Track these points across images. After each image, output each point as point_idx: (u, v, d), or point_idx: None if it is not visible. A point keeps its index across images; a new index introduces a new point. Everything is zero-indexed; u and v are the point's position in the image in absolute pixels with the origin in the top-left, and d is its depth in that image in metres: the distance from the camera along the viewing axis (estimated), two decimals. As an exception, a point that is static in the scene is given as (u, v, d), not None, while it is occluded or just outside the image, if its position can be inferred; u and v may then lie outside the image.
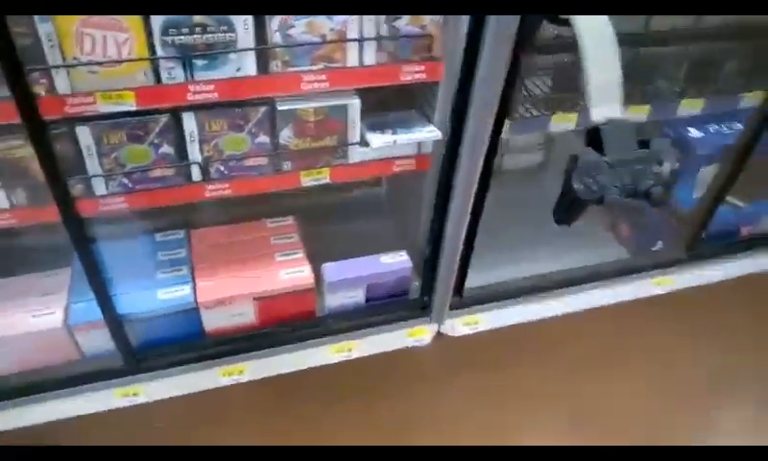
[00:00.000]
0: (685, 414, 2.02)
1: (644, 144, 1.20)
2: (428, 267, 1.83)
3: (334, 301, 1.85)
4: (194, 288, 1.70)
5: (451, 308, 1.97)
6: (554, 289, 2.08)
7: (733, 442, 1.94)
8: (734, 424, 2.00)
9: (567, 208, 1.19)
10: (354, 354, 1.93)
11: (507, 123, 1.66)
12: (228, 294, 1.71)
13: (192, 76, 1.31)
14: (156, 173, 1.45)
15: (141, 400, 1.78)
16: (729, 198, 2.12)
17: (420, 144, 1.64)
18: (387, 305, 1.92)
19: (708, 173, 1.96)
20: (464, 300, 1.96)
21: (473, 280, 2.00)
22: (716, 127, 1.93)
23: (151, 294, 1.68)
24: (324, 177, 1.60)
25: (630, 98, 1.74)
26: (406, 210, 1.97)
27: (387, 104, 1.69)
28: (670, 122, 1.94)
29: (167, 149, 1.44)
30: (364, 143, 1.56)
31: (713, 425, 2.00)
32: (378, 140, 1.53)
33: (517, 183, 2.43)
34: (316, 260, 1.81)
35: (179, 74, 1.30)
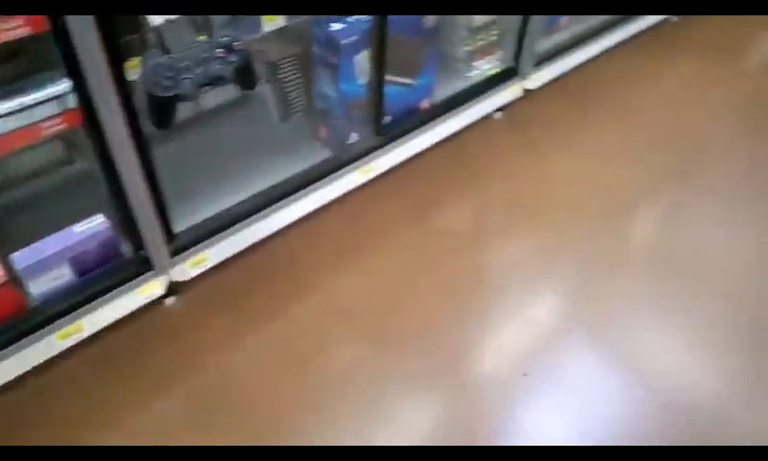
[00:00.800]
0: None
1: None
2: (126, 221, 1.84)
3: (40, 287, 1.80)
4: None
5: (174, 255, 2.01)
6: (271, 204, 2.20)
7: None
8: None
9: (159, 112, 1.28)
10: (86, 333, 1.90)
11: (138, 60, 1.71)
12: None
13: None
14: None
15: None
16: (395, 78, 2.38)
17: (66, 100, 1.62)
18: (104, 273, 1.91)
19: (363, 59, 2.18)
20: (181, 243, 2.01)
21: (192, 220, 2.06)
22: (356, 16, 2.15)
23: None
24: (-38, 161, 1.52)
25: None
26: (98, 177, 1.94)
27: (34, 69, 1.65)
28: (317, 23, 2.12)
29: None
30: (-8, 116, 1.51)
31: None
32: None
33: (221, 120, 2.50)
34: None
35: None
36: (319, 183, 2.31)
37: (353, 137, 2.38)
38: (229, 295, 2.14)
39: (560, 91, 3.14)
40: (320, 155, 2.39)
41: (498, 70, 2.88)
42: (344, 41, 2.07)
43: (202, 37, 1.28)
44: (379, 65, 2.18)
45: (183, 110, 2.38)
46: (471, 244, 2.39)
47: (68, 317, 1.86)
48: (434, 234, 2.41)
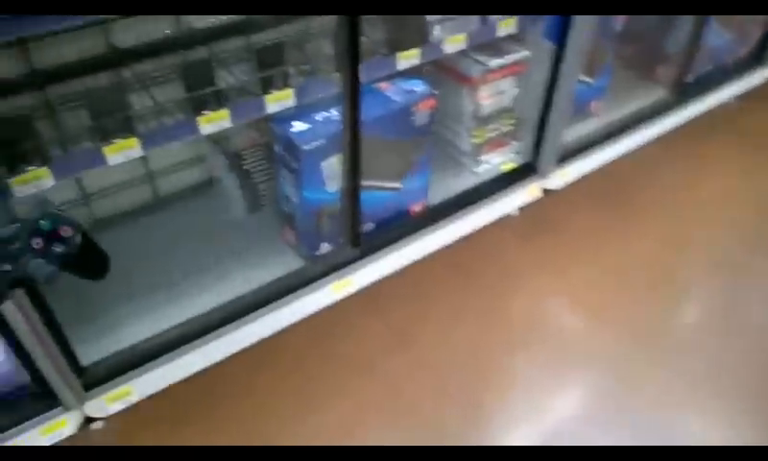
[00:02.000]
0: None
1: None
2: (19, 355, 1.54)
3: None
4: None
5: (87, 389, 1.70)
6: (220, 326, 1.87)
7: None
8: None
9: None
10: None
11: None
12: None
13: None
14: None
15: None
16: (378, 183, 2.04)
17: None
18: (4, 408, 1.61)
19: (333, 165, 1.85)
20: (95, 375, 1.70)
21: (116, 345, 1.75)
22: (326, 114, 1.82)
23: None
24: None
25: (199, 105, 1.60)
26: None
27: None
28: (277, 121, 1.81)
29: None
30: None
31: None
32: None
33: (179, 208, 2.23)
34: None
35: None
36: (282, 301, 1.96)
37: (324, 247, 2.03)
38: (147, 435, 1.81)
39: (588, 191, 2.73)
40: (285, 260, 2.06)
41: (513, 166, 2.49)
42: (306, 147, 1.74)
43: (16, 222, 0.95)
44: (353, 173, 1.84)
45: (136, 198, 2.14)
46: (466, 382, 1.98)
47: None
48: (421, 367, 2.02)
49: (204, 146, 2.16)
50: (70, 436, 1.70)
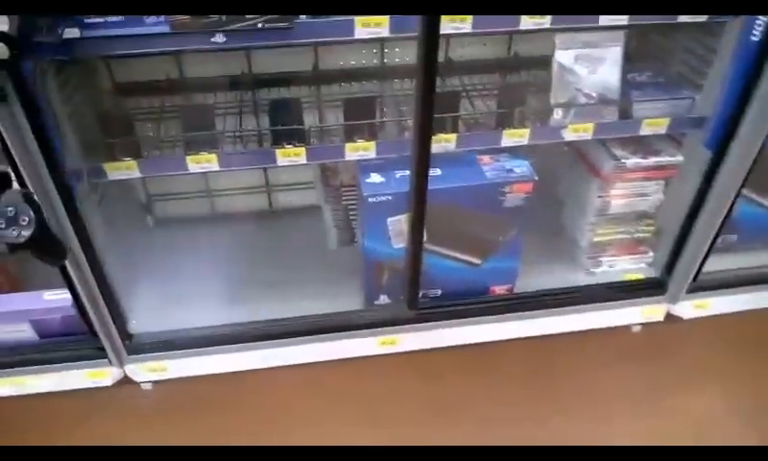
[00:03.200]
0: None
1: None
2: (78, 308, 1.75)
3: (-3, 335, 1.81)
4: None
5: (132, 353, 1.89)
6: (268, 339, 1.95)
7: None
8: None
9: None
10: (27, 389, 1.88)
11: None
12: None
13: None
14: None
15: None
16: (455, 253, 1.92)
17: None
18: (64, 343, 1.87)
19: (402, 223, 1.78)
20: (139, 345, 1.87)
21: (181, 323, 1.92)
22: (405, 172, 1.75)
23: None
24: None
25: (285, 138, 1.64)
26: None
27: None
28: (363, 167, 1.79)
29: None
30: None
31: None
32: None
33: (286, 224, 2.33)
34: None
35: None
36: (325, 336, 1.96)
37: (383, 299, 1.97)
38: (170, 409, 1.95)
39: (731, 331, 2.25)
40: (350, 301, 2.04)
41: (638, 277, 2.15)
42: (371, 199, 1.70)
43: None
44: (415, 237, 1.74)
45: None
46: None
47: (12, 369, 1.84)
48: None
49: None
50: (106, 387, 1.89)
